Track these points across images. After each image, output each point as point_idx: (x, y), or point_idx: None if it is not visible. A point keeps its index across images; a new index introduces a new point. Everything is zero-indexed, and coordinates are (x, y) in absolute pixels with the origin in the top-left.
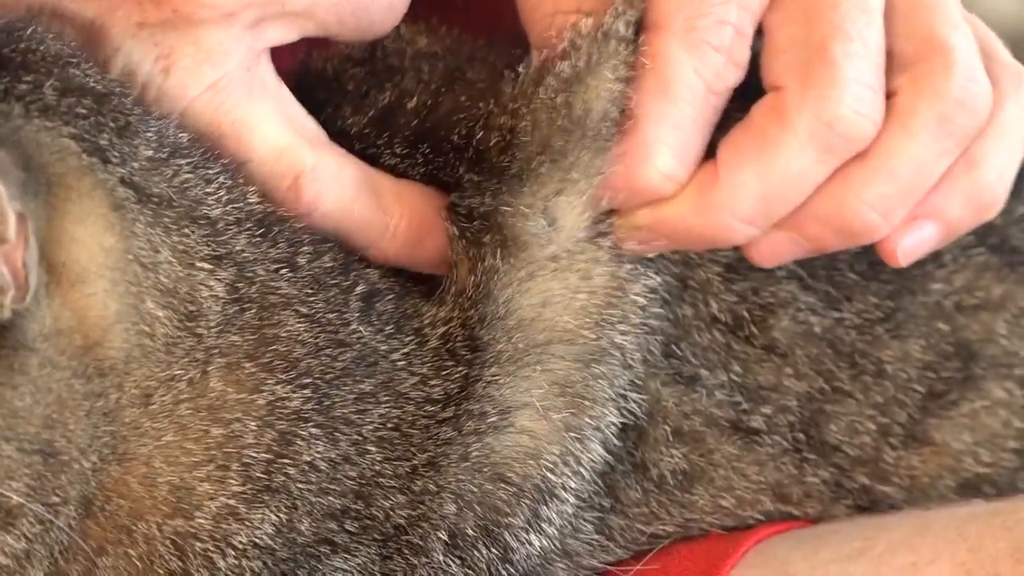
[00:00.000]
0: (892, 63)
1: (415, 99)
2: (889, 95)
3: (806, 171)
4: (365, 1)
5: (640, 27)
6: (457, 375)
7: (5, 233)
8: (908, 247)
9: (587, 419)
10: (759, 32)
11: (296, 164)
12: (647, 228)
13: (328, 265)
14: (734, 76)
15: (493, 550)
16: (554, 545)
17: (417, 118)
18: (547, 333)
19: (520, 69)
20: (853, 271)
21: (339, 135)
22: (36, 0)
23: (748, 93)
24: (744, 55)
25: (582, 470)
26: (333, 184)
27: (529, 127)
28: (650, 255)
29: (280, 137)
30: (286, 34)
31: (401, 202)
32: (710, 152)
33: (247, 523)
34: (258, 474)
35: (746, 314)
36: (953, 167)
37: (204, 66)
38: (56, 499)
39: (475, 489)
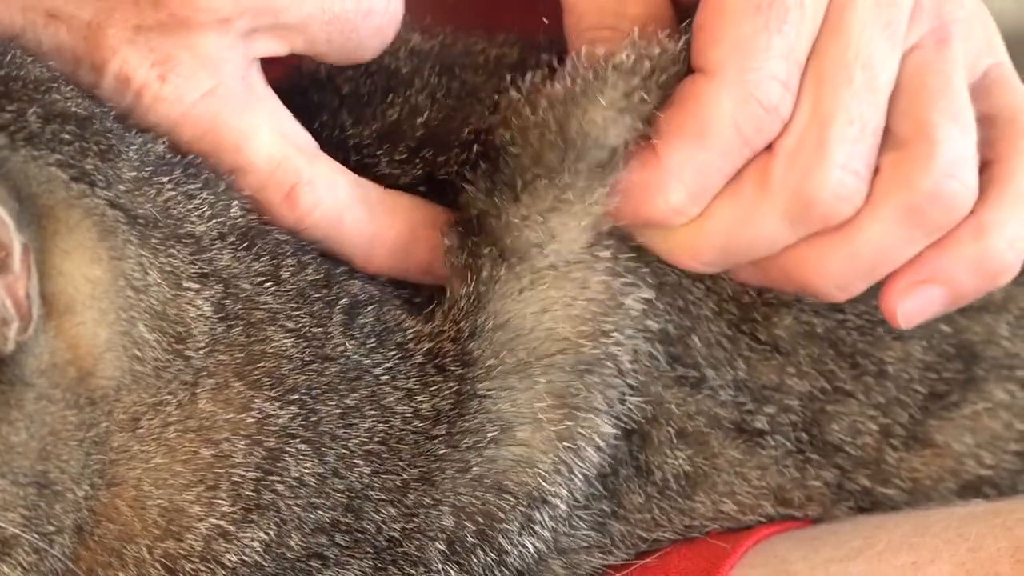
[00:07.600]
0: (887, 138)
1: (426, 115)
2: (877, 170)
3: (775, 236)
4: (354, 23)
5: (655, 67)
6: (448, 391)
7: (10, 264)
8: (910, 310)
9: (580, 429)
10: None
11: (292, 175)
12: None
13: (311, 277)
14: (775, 130)
15: (490, 554)
16: (547, 546)
17: (425, 129)
18: (548, 343)
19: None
20: None
21: (337, 144)
22: (31, 2)
23: None
24: (788, 109)
25: (575, 478)
26: (328, 194)
27: (519, 140)
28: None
29: (276, 147)
30: (277, 47)
31: (392, 213)
32: None
33: (237, 542)
34: (247, 492)
35: (751, 299)
36: (960, 232)
37: (200, 72)
38: (51, 528)
39: (476, 500)
